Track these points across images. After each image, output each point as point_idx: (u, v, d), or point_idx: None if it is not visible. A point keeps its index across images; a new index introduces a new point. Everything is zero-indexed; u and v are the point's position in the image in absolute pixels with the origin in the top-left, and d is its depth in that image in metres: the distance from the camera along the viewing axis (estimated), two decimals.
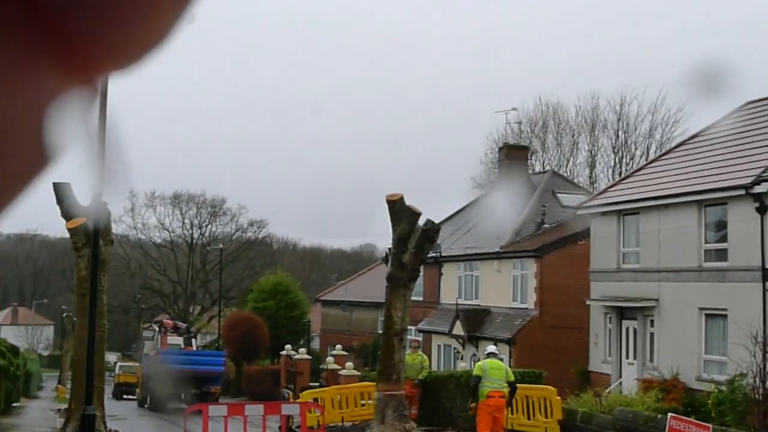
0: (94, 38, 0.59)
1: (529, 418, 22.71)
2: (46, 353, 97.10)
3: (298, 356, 41.49)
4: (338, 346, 43.83)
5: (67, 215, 23.05)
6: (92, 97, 0.62)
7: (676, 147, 33.55)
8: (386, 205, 25.09)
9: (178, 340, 44.25)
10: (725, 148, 28.01)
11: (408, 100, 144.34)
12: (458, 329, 38.84)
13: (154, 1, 0.59)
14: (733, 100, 31.10)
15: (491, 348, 21.16)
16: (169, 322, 48.84)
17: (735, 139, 28.30)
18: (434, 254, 39.13)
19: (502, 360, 21.00)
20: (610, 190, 33.38)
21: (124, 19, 0.58)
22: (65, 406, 28.67)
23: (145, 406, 41.47)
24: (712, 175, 26.68)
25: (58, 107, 0.60)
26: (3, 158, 0.59)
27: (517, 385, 20.59)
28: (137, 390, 49.03)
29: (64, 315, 64.98)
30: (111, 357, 71.21)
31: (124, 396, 52.74)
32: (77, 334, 25.35)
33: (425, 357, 30.41)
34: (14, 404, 37.40)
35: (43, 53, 0.58)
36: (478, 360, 37.10)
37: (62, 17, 0.57)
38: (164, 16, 0.60)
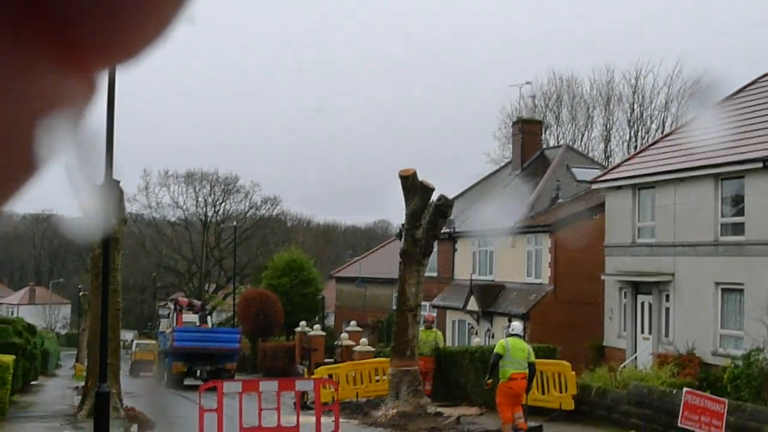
0: (93, 34, 0.57)
1: (543, 393, 22.67)
2: (63, 332, 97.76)
3: (312, 333, 41.59)
4: (352, 323, 43.90)
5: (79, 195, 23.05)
6: (91, 95, 0.61)
7: (693, 120, 33.26)
8: (399, 181, 25.02)
9: (194, 318, 44.40)
10: (742, 120, 27.72)
11: (421, 74, 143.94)
12: (472, 305, 38.80)
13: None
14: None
15: (517, 328, 20.00)
16: (184, 300, 48.99)
17: (752, 112, 28.03)
18: (448, 230, 39.03)
19: (523, 339, 20.42)
20: (625, 164, 33.14)
21: (123, 13, 0.56)
22: (83, 383, 28.83)
23: (162, 383, 41.71)
24: (728, 148, 26.42)
25: (54, 107, 0.58)
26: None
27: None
28: (153, 367, 49.32)
29: (81, 294, 65.32)
30: (128, 335, 71.62)
31: (141, 373, 53.06)
32: (92, 313, 25.45)
33: (440, 333, 30.41)
34: (32, 382, 37.67)
35: (40, 50, 0.57)
36: (493, 336, 37.19)
37: (60, 13, 0.56)
38: (165, 9, 0.58)
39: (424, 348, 27.30)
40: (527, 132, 45.80)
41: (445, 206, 25.26)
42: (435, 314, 37.50)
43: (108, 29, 0.57)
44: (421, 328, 27.39)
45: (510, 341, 19.13)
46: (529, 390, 19.44)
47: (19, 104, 0.56)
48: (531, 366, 19.05)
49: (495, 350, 19.31)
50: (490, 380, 19.13)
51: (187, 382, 39.04)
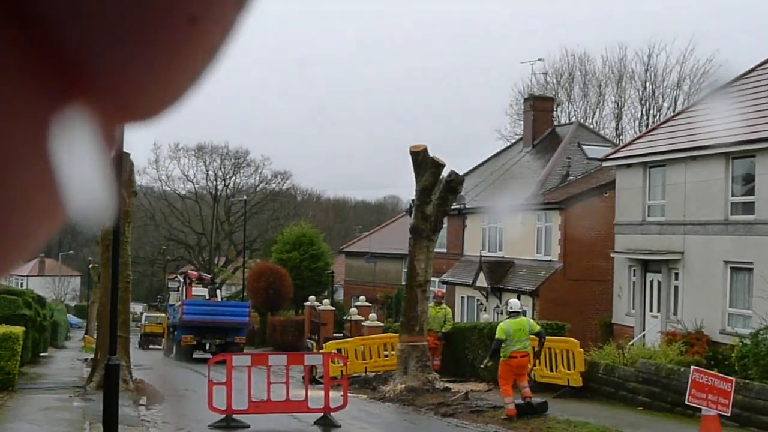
0: (115, 89, 0.54)
1: (551, 370, 22.73)
2: (73, 304, 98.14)
3: (321, 307, 41.67)
4: (362, 298, 43.99)
5: None
6: (109, 148, 0.57)
7: (704, 99, 33.08)
8: (410, 157, 24.98)
9: (203, 291, 44.54)
10: (754, 99, 27.58)
11: (432, 49, 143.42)
12: (482, 281, 38.84)
13: (185, 52, 0.53)
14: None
15: (515, 305, 19.87)
16: (194, 273, 49.14)
17: (764, 91, 27.86)
18: (458, 206, 39.02)
19: (524, 314, 20.53)
20: (636, 141, 33.03)
21: (147, 71, 0.53)
22: (92, 355, 28.99)
23: (171, 356, 41.90)
24: (740, 127, 26.29)
25: (70, 156, 0.54)
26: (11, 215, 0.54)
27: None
28: (163, 340, 49.56)
29: (90, 266, 65.54)
30: (137, 308, 71.90)
31: (150, 346, 53.32)
32: (102, 285, 25.56)
33: (449, 310, 30.41)
34: (42, 354, 37.89)
35: (57, 102, 0.53)
36: (501, 312, 37.22)
37: (82, 67, 0.52)
38: (192, 68, 0.55)
39: (434, 325, 27.34)
40: (539, 109, 45.67)
41: (455, 182, 25.25)
42: (444, 290, 37.54)
43: (132, 86, 0.53)
44: (431, 304, 27.43)
45: (510, 324, 19.13)
46: (538, 356, 19.90)
47: (33, 152, 0.52)
48: (539, 334, 19.44)
49: (496, 335, 19.30)
50: (490, 363, 19.58)
51: (196, 355, 39.23)
